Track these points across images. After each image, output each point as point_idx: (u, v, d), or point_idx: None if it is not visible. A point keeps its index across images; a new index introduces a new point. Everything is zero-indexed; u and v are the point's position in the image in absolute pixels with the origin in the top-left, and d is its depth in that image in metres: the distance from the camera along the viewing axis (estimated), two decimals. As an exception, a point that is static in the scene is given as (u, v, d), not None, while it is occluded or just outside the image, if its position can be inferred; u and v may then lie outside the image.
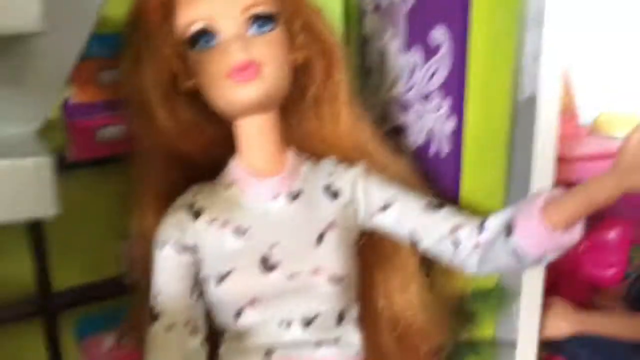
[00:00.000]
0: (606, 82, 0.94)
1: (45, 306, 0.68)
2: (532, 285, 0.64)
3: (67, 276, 0.70)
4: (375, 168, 0.61)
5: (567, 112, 0.82)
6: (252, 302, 0.54)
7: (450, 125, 0.67)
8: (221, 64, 0.52)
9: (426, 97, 0.70)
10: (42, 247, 0.67)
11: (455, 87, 0.65)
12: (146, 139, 0.58)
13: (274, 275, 0.54)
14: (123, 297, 0.67)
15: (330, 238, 0.55)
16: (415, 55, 0.70)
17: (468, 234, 0.54)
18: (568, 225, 0.47)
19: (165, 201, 0.59)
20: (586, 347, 0.74)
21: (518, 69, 0.58)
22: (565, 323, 0.70)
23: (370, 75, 0.79)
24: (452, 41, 0.65)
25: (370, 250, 0.63)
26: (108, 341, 0.71)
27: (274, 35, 0.54)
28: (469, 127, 0.65)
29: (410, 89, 0.72)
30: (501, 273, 0.62)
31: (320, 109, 0.61)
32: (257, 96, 0.53)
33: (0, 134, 0.46)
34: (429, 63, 0.68)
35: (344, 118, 0.61)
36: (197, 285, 0.57)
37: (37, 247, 0.67)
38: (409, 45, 0.71)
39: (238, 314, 0.54)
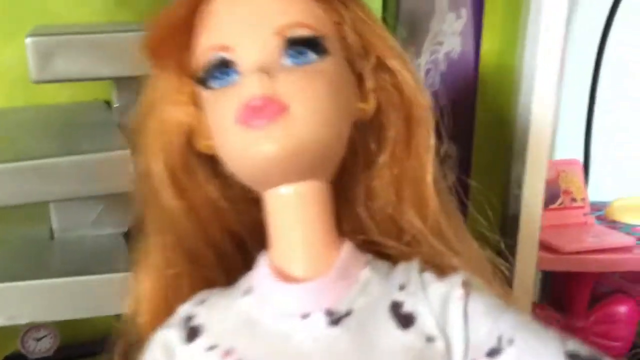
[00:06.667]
0: (622, 167, 0.91)
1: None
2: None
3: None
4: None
5: (576, 201, 0.81)
6: None
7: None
8: (231, 104, 0.33)
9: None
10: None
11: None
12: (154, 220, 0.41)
13: None
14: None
15: None
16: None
17: None
18: None
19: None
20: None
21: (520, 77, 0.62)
22: None
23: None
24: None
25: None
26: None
27: (320, 67, 0.34)
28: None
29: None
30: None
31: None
32: (278, 149, 0.32)
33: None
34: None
35: (429, 202, 0.38)
36: None
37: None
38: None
39: None
